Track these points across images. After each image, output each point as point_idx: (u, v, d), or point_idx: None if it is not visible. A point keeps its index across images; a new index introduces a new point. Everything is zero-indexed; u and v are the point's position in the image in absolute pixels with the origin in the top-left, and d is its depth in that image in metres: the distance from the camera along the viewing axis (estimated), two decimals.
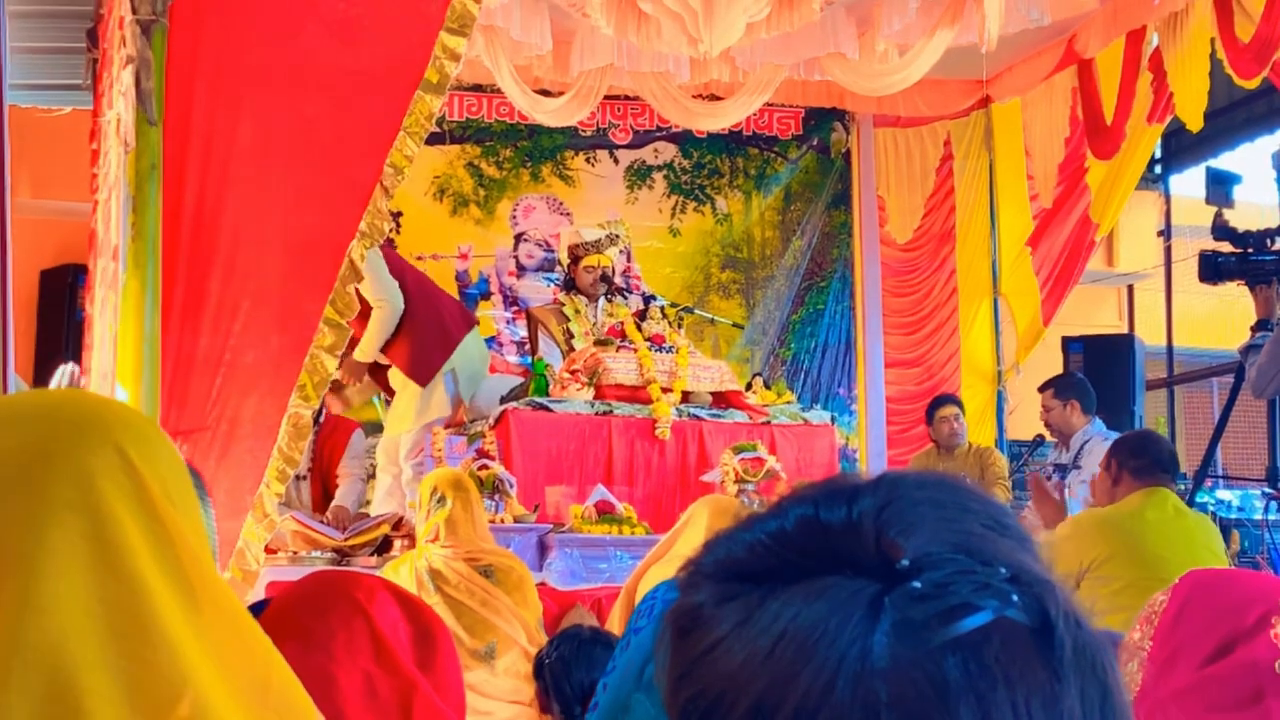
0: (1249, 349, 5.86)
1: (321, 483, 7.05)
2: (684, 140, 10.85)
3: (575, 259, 7.78)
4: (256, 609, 2.01)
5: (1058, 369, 9.38)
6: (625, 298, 7.82)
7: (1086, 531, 4.86)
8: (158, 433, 1.22)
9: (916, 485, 0.79)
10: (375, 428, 9.43)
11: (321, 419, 7.04)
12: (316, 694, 1.35)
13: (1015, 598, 0.73)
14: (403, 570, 4.97)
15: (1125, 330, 12.02)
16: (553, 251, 10.11)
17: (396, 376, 7.43)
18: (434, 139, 9.81)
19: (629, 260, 10.39)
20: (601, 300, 7.71)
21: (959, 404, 8.81)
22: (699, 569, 0.80)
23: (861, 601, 0.72)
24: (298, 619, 1.97)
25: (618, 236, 7.87)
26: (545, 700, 3.53)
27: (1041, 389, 7.86)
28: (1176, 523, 4.83)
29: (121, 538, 1.09)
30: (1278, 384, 5.77)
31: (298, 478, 6.88)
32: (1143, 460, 4.94)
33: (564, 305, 7.69)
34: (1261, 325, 5.88)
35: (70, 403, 1.19)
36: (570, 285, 7.82)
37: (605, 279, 7.71)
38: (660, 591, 1.86)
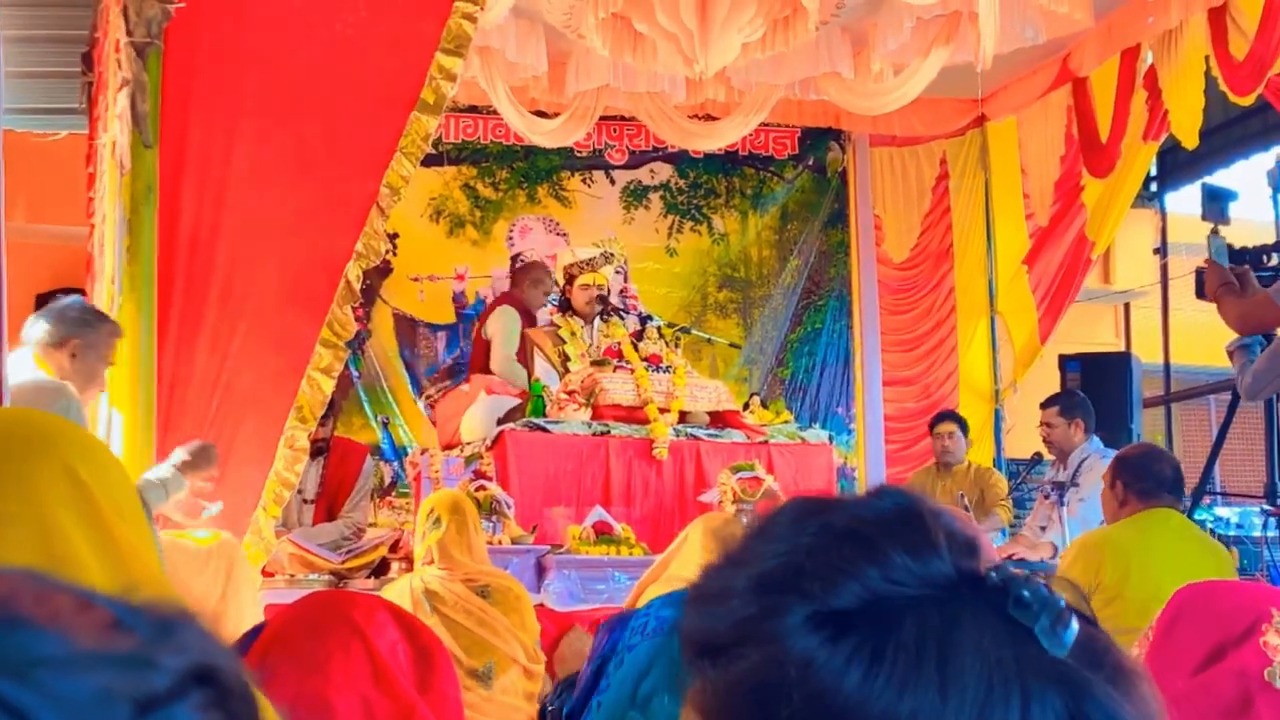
0: (1239, 348, 5.86)
1: (327, 508, 7.02)
2: (680, 160, 10.86)
3: (570, 279, 7.77)
4: (254, 632, 1.99)
5: (1055, 387, 9.36)
6: (622, 318, 7.81)
7: (1092, 553, 4.84)
8: (107, 451, 1.22)
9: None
10: (375, 450, 9.43)
11: (329, 445, 7.01)
12: (313, 717, 1.34)
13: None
14: (399, 592, 4.95)
15: (1122, 348, 12.02)
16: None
17: None
18: (430, 160, 9.82)
19: (626, 280, 10.39)
20: (597, 321, 7.70)
21: (959, 421, 8.80)
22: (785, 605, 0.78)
23: (1009, 649, 0.76)
24: (295, 642, 1.96)
25: (612, 255, 7.86)
26: None
27: (1045, 405, 7.85)
28: (1182, 543, 4.82)
29: (67, 550, 1.08)
30: (1272, 389, 5.78)
31: (305, 500, 6.85)
32: (1149, 484, 4.92)
33: (560, 328, 7.67)
34: None
35: (20, 421, 1.19)
36: (566, 307, 7.81)
37: (601, 299, 7.70)
38: (654, 609, 1.85)
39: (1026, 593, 0.74)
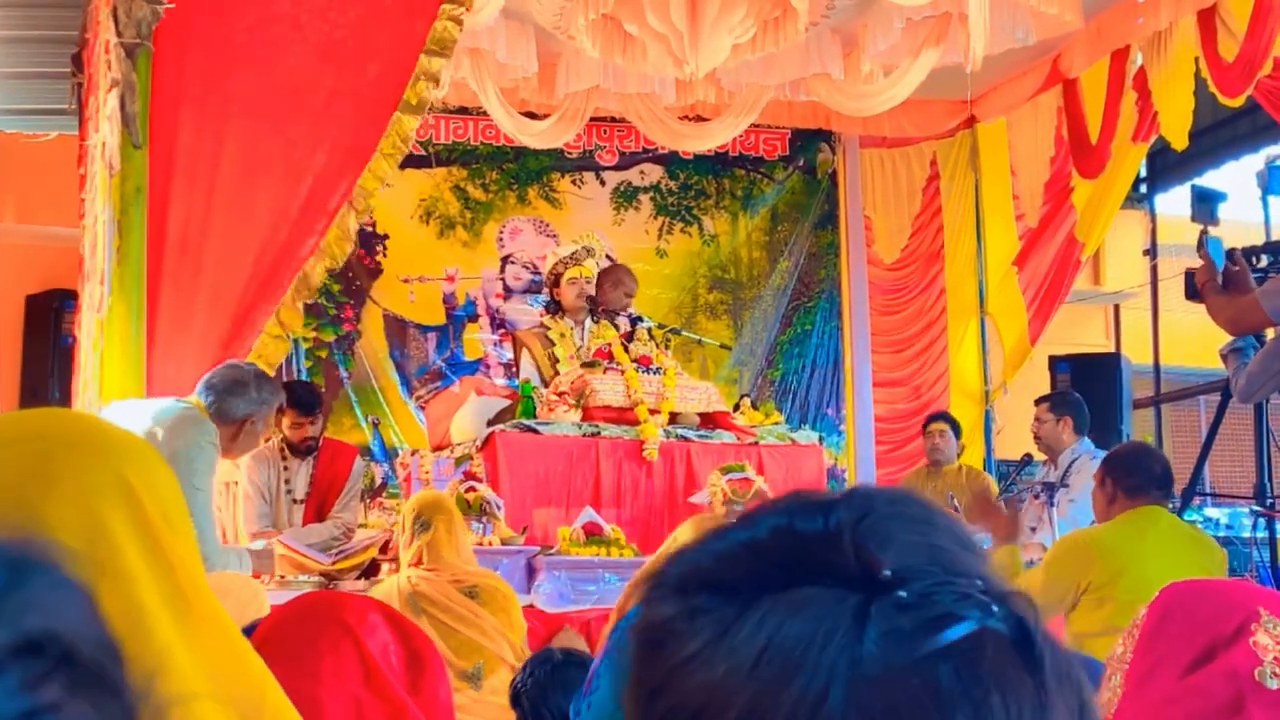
0: (1232, 351, 5.87)
1: (317, 509, 7.00)
2: (670, 162, 10.87)
3: (556, 277, 7.76)
4: (245, 632, 1.99)
5: (1045, 388, 9.38)
6: (613, 319, 7.81)
7: (1080, 552, 4.85)
8: (155, 455, 1.21)
9: (888, 501, 0.79)
10: (365, 452, 9.42)
11: (319, 444, 6.99)
12: (306, 718, 1.34)
13: (995, 609, 0.73)
14: (386, 593, 4.94)
15: (1112, 349, 12.03)
16: (539, 274, 10.09)
17: None
18: (420, 162, 9.82)
19: None
20: (588, 322, 7.69)
21: (950, 421, 8.80)
22: (664, 582, 0.79)
23: (846, 611, 0.71)
24: (286, 642, 1.95)
25: (593, 249, 7.85)
26: None
27: (1038, 402, 7.86)
28: (1170, 541, 4.82)
29: (119, 562, 1.07)
30: (1266, 391, 5.79)
31: (295, 501, 6.84)
32: (1137, 480, 4.93)
33: (549, 329, 7.67)
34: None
35: (69, 424, 1.18)
36: (555, 308, 7.81)
37: (591, 299, 7.69)
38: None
39: (904, 593, 0.72)
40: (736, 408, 7.83)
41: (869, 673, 0.70)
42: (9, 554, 0.59)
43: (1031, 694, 0.72)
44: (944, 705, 0.70)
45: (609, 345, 7.43)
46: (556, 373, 7.42)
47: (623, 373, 7.21)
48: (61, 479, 1.09)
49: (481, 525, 6.21)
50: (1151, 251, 11.74)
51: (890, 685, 0.70)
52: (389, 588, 5.01)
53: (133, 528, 1.10)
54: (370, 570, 6.46)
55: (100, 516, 1.08)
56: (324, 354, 9.92)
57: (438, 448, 7.45)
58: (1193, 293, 6.16)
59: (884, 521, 0.76)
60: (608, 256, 8.44)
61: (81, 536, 1.06)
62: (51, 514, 1.07)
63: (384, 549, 6.55)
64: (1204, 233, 6.19)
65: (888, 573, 0.73)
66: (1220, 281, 5.84)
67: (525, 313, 10.16)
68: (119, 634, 0.65)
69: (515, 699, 3.44)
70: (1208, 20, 8.04)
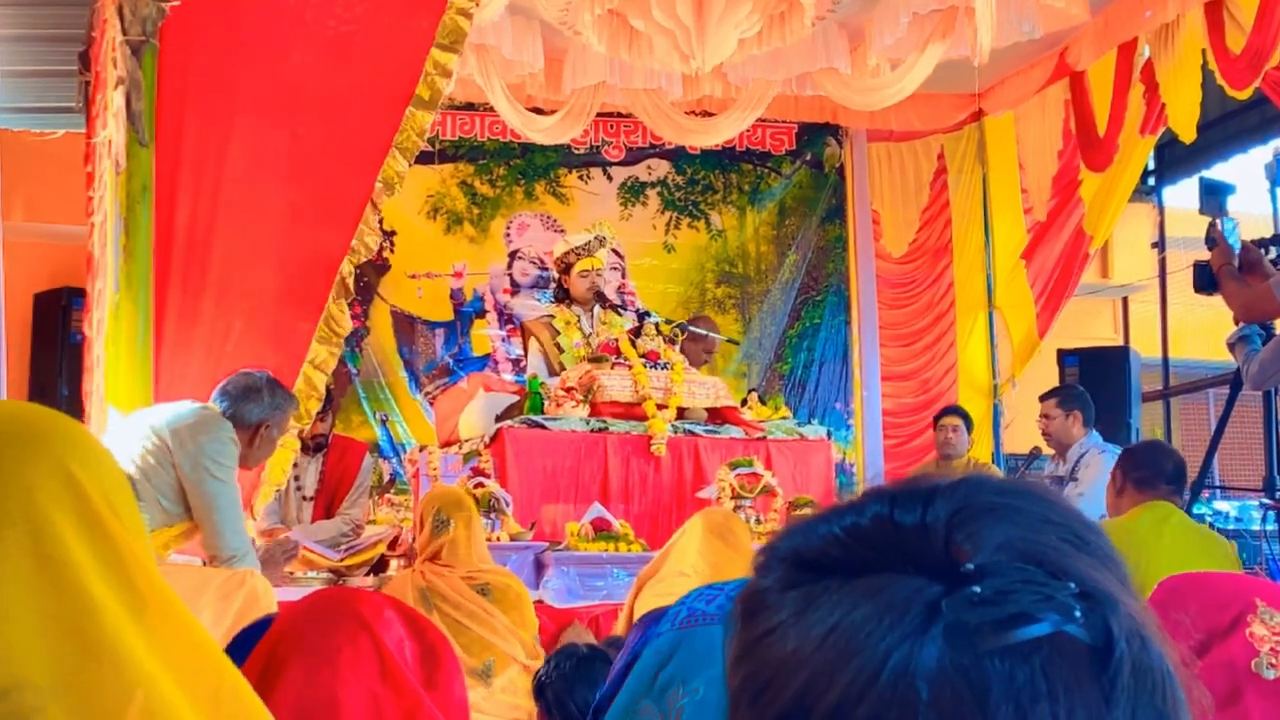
0: (1239, 340, 5.86)
1: (326, 505, 7.01)
2: (677, 157, 10.86)
3: (568, 267, 7.76)
4: (261, 625, 2.00)
5: (1053, 382, 9.36)
6: (620, 313, 7.81)
7: None
8: (98, 445, 1.21)
9: (996, 491, 0.77)
10: (374, 448, 9.44)
11: (329, 441, 7.00)
12: (321, 711, 1.34)
13: (1078, 614, 0.71)
14: (399, 589, 4.95)
15: (1120, 342, 12.01)
16: (547, 269, 10.10)
17: None
18: (427, 158, 9.82)
19: (624, 277, 10.40)
20: (596, 309, 7.71)
21: (963, 415, 8.76)
22: (774, 553, 0.80)
23: (919, 601, 0.71)
24: (303, 635, 1.96)
25: (604, 238, 7.86)
26: None
27: (1044, 397, 7.84)
28: (1179, 537, 4.81)
29: (62, 552, 1.07)
30: (1278, 379, 5.78)
31: (305, 498, 6.85)
32: (1145, 473, 4.92)
33: (554, 318, 7.68)
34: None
35: (12, 416, 1.18)
36: (562, 297, 7.81)
37: (599, 294, 7.70)
38: (689, 599, 1.85)
39: (979, 588, 0.71)
40: (744, 402, 7.82)
41: (922, 665, 0.69)
42: None
43: (1091, 704, 0.71)
44: (987, 706, 0.69)
45: (616, 340, 7.43)
46: (562, 365, 7.43)
47: (630, 368, 7.21)
48: (1, 471, 1.09)
49: (490, 521, 6.22)
50: (1160, 244, 11.70)
51: (939, 679, 0.69)
52: (402, 582, 5.01)
53: (77, 518, 1.09)
54: (379, 566, 6.46)
55: (43, 508, 1.08)
56: None
57: (446, 444, 7.46)
58: (1201, 285, 6.14)
59: (985, 513, 0.75)
60: (615, 251, 8.44)
61: (25, 529, 1.06)
62: None
63: (392, 545, 6.56)
64: (1213, 225, 6.17)
65: (970, 567, 0.72)
66: (1237, 265, 5.83)
67: (533, 308, 10.13)
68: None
69: (539, 691, 3.45)
70: (1215, 12, 8.03)
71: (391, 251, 10.12)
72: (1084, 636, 0.71)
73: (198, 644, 1.18)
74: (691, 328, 8.06)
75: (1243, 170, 10.43)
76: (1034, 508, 0.77)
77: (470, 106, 9.95)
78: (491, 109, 9.39)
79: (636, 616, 4.29)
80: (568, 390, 7.09)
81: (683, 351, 7.61)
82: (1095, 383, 8.95)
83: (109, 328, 5.29)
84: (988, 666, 0.69)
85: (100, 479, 1.14)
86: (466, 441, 7.17)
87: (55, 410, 1.20)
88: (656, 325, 7.76)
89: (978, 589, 0.71)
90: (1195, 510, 6.64)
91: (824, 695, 0.71)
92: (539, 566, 6.35)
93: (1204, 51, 8.18)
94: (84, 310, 6.42)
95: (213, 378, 5.34)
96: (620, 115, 10.30)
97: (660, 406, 7.12)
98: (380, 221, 5.80)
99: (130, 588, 1.10)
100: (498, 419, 7.14)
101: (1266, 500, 6.54)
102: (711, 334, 8.13)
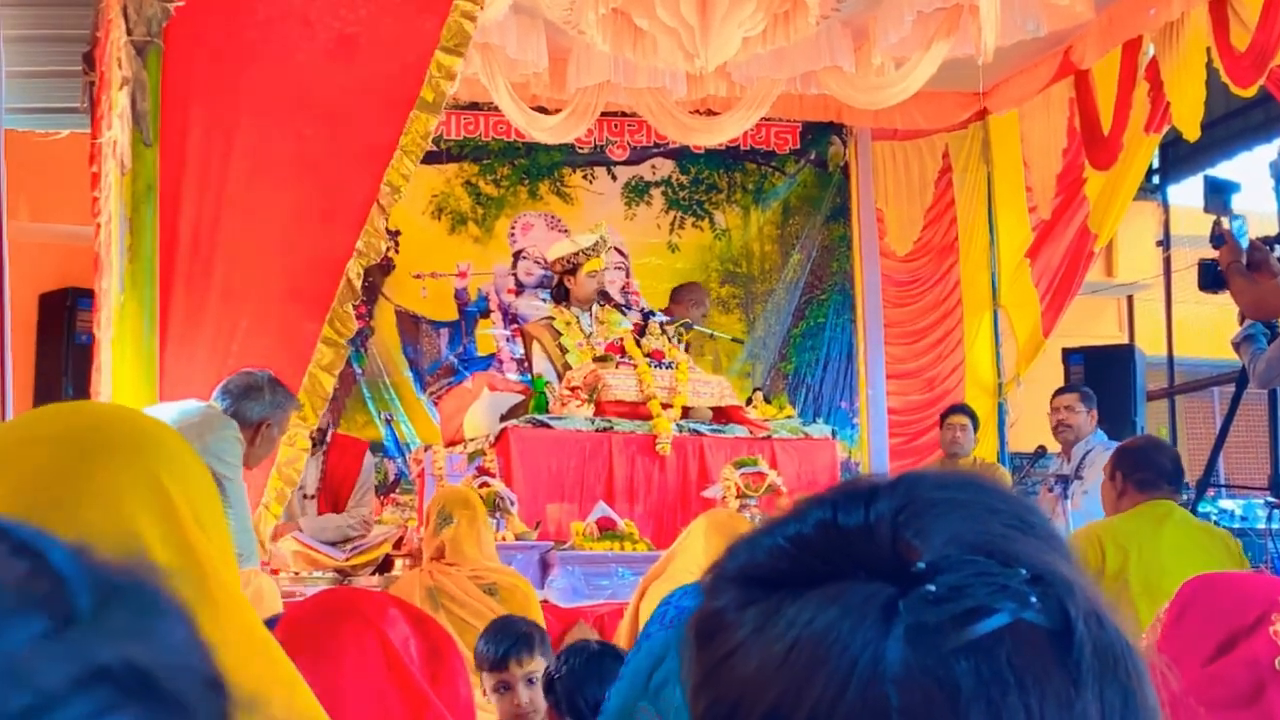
0: (1244, 339, 5.87)
1: (330, 505, 7.02)
2: (681, 156, 10.85)
3: (575, 267, 7.76)
4: (268, 624, 2.00)
5: (1059, 381, 9.35)
6: (624, 313, 7.81)
7: (1089, 546, 4.83)
8: (190, 453, 1.20)
9: (936, 485, 0.77)
10: (379, 447, 9.44)
11: (329, 440, 7.01)
12: (328, 708, 1.34)
13: (1034, 599, 0.71)
14: (406, 588, 4.96)
15: (1125, 341, 11.99)
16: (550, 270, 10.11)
17: None
18: (431, 157, 9.80)
19: (628, 276, 10.40)
20: (594, 308, 7.71)
21: (969, 414, 8.74)
22: (722, 573, 0.79)
23: (875, 606, 0.71)
24: (310, 633, 1.97)
25: (605, 239, 7.88)
26: (558, 716, 3.51)
27: (1061, 393, 7.81)
28: (1181, 535, 4.80)
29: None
30: None
31: (305, 496, 6.86)
32: (1148, 474, 4.91)
33: (554, 319, 7.68)
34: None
35: (103, 421, 1.17)
36: (561, 297, 7.81)
37: (603, 294, 7.72)
38: (674, 598, 1.85)
39: (933, 586, 0.70)
40: (749, 401, 7.83)
41: (889, 670, 0.69)
42: (99, 575, 0.56)
43: (1060, 689, 0.70)
44: (959, 705, 0.68)
45: (621, 340, 7.44)
46: (567, 365, 7.43)
47: (635, 367, 7.21)
48: (94, 479, 1.09)
49: (495, 520, 6.22)
50: (1165, 243, 11.69)
51: (908, 683, 0.68)
52: (409, 582, 5.02)
53: (164, 529, 1.09)
54: (384, 566, 6.47)
55: (132, 519, 1.08)
56: None
57: (451, 443, 7.46)
58: (1206, 283, 6.15)
59: (928, 509, 0.75)
60: (618, 250, 8.44)
61: (112, 539, 1.06)
62: (82, 515, 1.06)
63: (397, 545, 6.57)
64: (1217, 223, 6.17)
65: (921, 565, 0.71)
66: (1245, 263, 5.83)
67: (537, 308, 10.13)
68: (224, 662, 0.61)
69: (549, 686, 3.47)
70: (1219, 10, 8.02)
71: (396, 251, 10.12)
72: (1042, 621, 0.71)
73: (274, 661, 1.18)
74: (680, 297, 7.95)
75: (1247, 168, 10.42)
76: (977, 497, 0.77)
77: (474, 106, 9.95)
78: (496, 108, 9.39)
79: (641, 620, 4.29)
80: (572, 390, 7.10)
81: (678, 313, 7.60)
82: (1100, 381, 8.94)
83: (114, 328, 5.30)
84: (954, 665, 0.69)
85: (189, 489, 1.14)
86: (471, 441, 7.17)
87: (150, 417, 1.19)
88: (661, 325, 7.77)
89: (932, 587, 0.70)
90: (1201, 509, 6.63)
91: (794, 711, 0.70)
92: (544, 566, 6.36)
93: (1208, 49, 8.17)
94: (93, 310, 6.43)
95: (218, 378, 5.34)
96: (624, 114, 10.29)
97: (665, 406, 7.13)
98: (385, 221, 5.80)
99: (210, 601, 1.10)
100: (502, 418, 7.15)
101: (1272, 498, 6.54)
102: (705, 300, 8.04)
